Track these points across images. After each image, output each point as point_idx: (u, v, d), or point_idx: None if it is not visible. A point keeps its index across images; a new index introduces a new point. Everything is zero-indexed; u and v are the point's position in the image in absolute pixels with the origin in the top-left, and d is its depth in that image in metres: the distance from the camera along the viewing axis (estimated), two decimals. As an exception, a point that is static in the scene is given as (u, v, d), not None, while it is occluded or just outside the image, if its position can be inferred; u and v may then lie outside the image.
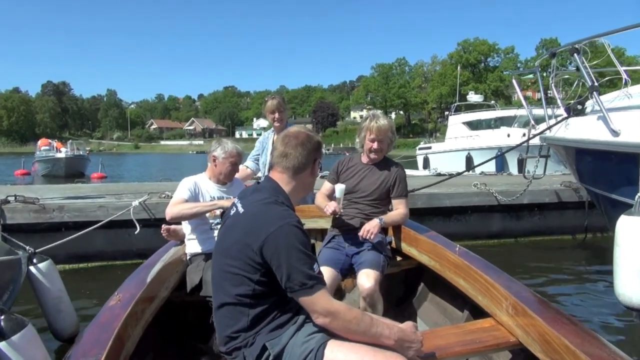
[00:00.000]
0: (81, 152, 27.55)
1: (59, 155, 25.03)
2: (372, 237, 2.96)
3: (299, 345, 1.69)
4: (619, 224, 3.02)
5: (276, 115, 4.10)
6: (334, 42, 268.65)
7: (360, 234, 2.99)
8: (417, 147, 24.55)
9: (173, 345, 3.06)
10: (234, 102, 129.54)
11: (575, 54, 3.86)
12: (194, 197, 3.04)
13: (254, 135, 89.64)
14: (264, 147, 4.31)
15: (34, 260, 3.53)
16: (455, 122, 21.20)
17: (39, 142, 28.48)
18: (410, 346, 1.76)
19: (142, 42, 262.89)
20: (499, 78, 71.29)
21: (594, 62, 4.13)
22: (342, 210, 3.06)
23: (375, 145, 3.15)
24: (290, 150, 1.85)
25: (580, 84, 4.30)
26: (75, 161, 25.11)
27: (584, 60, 3.86)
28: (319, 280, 1.65)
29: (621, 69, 3.83)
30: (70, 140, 32.64)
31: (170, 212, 2.96)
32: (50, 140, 29.19)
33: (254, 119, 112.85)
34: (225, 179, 3.14)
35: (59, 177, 21.83)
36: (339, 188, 3.07)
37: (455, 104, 25.12)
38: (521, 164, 14.14)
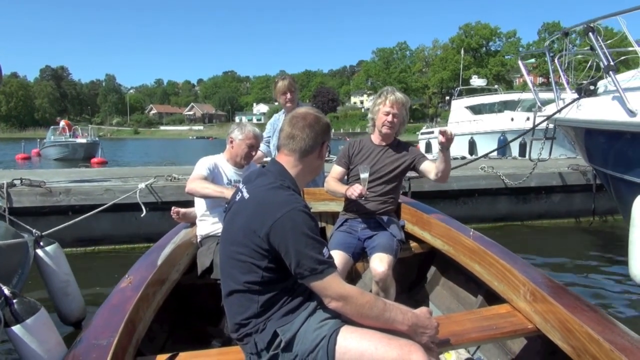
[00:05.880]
0: (96, 138, 28.90)
1: (80, 140, 26.40)
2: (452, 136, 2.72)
3: (311, 331, 1.66)
4: (636, 205, 2.97)
5: (288, 96, 4.02)
6: (334, 26, 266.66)
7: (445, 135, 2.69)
8: (419, 132, 24.44)
9: (183, 328, 3.05)
10: (233, 87, 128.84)
11: (590, 33, 3.77)
12: (212, 176, 3.03)
13: (254, 121, 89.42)
14: (275, 129, 4.24)
15: (41, 244, 3.51)
16: (458, 107, 21.07)
17: (64, 126, 28.29)
18: (424, 332, 1.72)
19: (140, 27, 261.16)
20: (501, 62, 70.81)
21: (607, 42, 4.03)
22: (367, 193, 2.94)
23: (389, 118, 3.04)
24: (298, 132, 1.79)
25: (594, 64, 4.21)
26: (93, 146, 26.32)
27: (599, 39, 3.77)
28: (329, 264, 1.61)
29: (638, 48, 3.76)
30: (89, 126, 33.69)
31: (188, 186, 3.00)
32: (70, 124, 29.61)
33: (254, 104, 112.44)
34: (242, 162, 3.11)
35: (76, 160, 22.31)
36: (365, 169, 2.94)
37: (459, 88, 24.93)
38: (522, 148, 14.13)
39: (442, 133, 2.69)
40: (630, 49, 4.01)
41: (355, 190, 2.86)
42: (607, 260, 5.55)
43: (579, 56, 5.55)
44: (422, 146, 21.44)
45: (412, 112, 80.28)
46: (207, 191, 2.91)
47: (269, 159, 4.28)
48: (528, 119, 14.56)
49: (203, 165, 3.05)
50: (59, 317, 3.60)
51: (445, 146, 2.78)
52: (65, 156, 25.43)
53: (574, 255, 5.79)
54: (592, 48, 3.92)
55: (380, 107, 3.09)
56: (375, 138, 3.21)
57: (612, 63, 3.68)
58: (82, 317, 3.65)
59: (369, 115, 3.24)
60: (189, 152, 34.36)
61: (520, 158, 12.22)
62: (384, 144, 3.18)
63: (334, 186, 3.15)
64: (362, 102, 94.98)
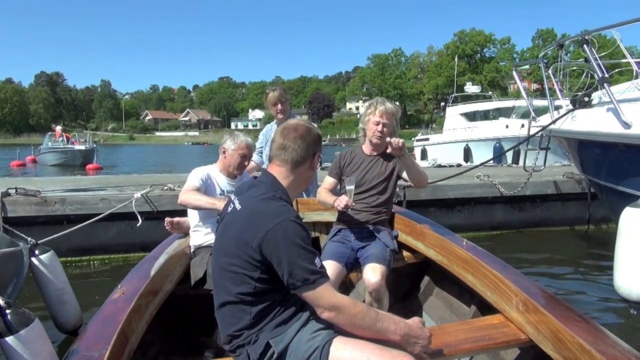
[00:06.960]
0: (93, 145, 29.06)
1: (78, 147, 26.59)
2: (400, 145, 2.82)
3: (304, 342, 1.66)
4: (624, 216, 3.00)
5: (279, 107, 4.06)
6: (329, 32, 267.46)
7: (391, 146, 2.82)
8: (415, 139, 24.52)
9: (177, 339, 3.03)
10: (229, 93, 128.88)
11: (585, 45, 3.80)
12: (205, 187, 3.03)
13: (250, 127, 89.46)
14: (267, 140, 4.25)
15: (36, 252, 3.48)
16: (453, 114, 21.19)
17: (57, 132, 28.90)
18: (417, 342, 1.72)
19: (136, 32, 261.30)
20: (495, 69, 71.33)
21: (601, 55, 4.07)
22: (354, 204, 2.95)
23: (379, 128, 3.06)
24: (289, 142, 1.81)
25: (589, 75, 4.24)
26: (90, 153, 26.41)
27: (593, 51, 3.80)
28: (321, 274, 1.62)
29: (632, 60, 3.79)
30: (86, 133, 34.59)
31: (180, 197, 3.00)
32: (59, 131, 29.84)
33: (250, 110, 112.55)
34: (235, 172, 3.11)
35: (73, 166, 22.72)
36: (351, 181, 2.94)
37: (453, 95, 25.06)
38: (516, 155, 14.20)
39: (389, 144, 2.81)
40: (624, 60, 4.04)
41: (341, 202, 2.89)
42: (601, 268, 5.55)
43: (578, 66, 5.59)
44: (417, 153, 21.51)
45: (407, 118, 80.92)
46: (199, 202, 2.91)
47: (264, 168, 4.29)
48: (523, 126, 14.62)
49: (196, 176, 3.05)
50: (56, 325, 3.57)
51: (397, 155, 2.89)
52: (63, 162, 25.62)
53: (569, 263, 5.80)
54: (586, 60, 3.95)
55: (370, 117, 3.12)
56: (367, 148, 3.24)
57: (606, 75, 3.71)
58: (79, 325, 3.62)
59: (360, 126, 3.27)
60: (185, 159, 34.35)
61: (514, 165, 12.29)
62: (375, 153, 3.20)
63: (324, 197, 3.18)
64: (357, 108, 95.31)
